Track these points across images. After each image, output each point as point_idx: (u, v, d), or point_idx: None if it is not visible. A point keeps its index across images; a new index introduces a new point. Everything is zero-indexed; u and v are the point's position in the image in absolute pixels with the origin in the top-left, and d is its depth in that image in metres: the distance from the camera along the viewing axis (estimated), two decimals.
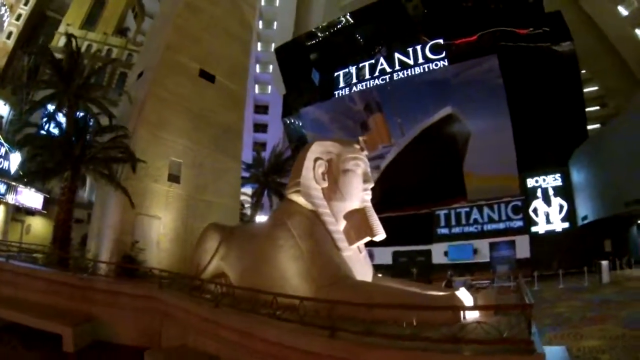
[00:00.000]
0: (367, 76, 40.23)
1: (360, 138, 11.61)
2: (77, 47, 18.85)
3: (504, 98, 32.96)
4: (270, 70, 61.82)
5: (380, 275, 12.68)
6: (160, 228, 16.86)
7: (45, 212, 31.84)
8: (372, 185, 11.33)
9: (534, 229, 33.67)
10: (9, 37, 47.75)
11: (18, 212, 32.67)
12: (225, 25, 21.86)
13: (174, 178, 17.73)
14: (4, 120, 32.00)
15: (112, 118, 18.70)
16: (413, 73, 37.31)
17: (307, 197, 10.67)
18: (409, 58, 37.72)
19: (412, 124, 38.06)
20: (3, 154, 27.50)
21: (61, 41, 43.71)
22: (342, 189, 11.02)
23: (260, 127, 62.42)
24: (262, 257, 10.71)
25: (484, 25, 33.64)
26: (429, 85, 36.24)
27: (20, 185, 30.15)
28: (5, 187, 30.28)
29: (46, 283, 13.28)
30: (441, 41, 35.86)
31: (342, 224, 11.10)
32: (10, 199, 30.93)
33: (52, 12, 54.93)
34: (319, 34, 44.23)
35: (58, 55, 23.00)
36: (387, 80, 38.61)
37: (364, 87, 40.26)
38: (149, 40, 26.76)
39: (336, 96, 42.06)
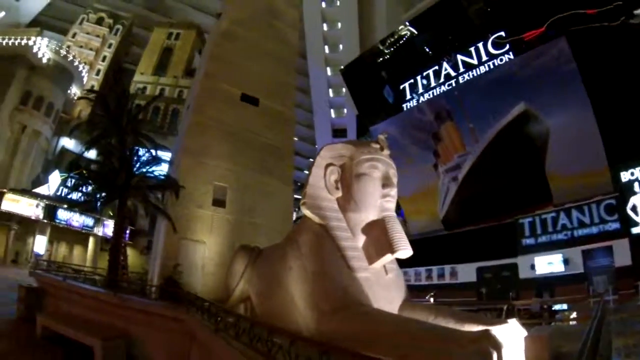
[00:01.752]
0: (433, 84, 38.50)
1: (380, 136, 9.96)
2: (124, 89, 20.39)
3: (581, 85, 29.39)
4: (343, 93, 61.91)
5: (416, 300, 11.21)
6: (205, 252, 17.16)
7: (131, 242, 34.42)
8: (394, 189, 9.59)
9: (634, 230, 29.13)
10: (92, 90, 52.50)
11: (106, 243, 35.14)
12: (266, 48, 22.09)
13: (218, 202, 18.02)
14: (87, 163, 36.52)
15: (161, 149, 19.73)
16: (478, 73, 34.85)
17: (314, 209, 9.37)
18: (472, 58, 35.47)
19: (485, 128, 35.44)
20: (88, 192, 30.63)
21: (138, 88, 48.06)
22: (355, 197, 9.43)
23: None
24: (276, 279, 9.77)
25: (550, 14, 30.72)
26: (497, 84, 33.64)
27: (107, 219, 33.37)
28: (93, 220, 33.74)
29: (93, 301, 14.49)
30: (503, 34, 33.16)
31: (362, 239, 9.48)
32: (98, 231, 34.44)
33: (128, 64, 60.84)
34: (382, 49, 43.38)
35: (138, 101, 24.96)
36: (454, 85, 36.60)
37: (431, 96, 38.55)
38: (197, 74, 28.00)
39: (404, 109, 40.59)
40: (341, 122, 63.35)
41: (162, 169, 19.44)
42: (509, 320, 7.08)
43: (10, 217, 34.41)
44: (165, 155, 23.75)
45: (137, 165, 18.59)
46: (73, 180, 34.55)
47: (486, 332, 6.09)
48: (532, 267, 31.75)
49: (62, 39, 54.17)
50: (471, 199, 33.45)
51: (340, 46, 63.35)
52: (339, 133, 62.67)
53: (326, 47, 63.88)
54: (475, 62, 35.11)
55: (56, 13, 63.98)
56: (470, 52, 35.31)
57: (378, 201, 9.34)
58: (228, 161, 18.70)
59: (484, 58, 34.35)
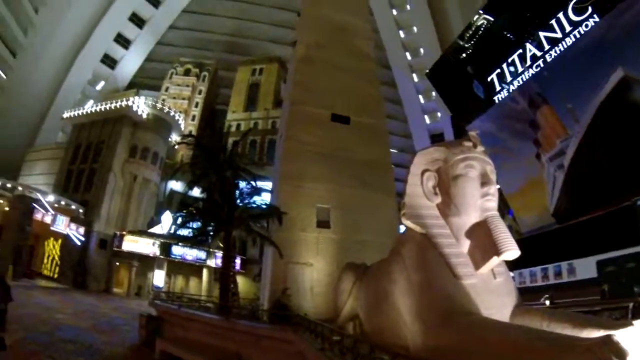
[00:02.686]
0: (520, 69, 35.98)
1: (471, 132, 9.30)
2: (217, 129, 21.40)
3: None
4: (434, 97, 60.48)
5: (530, 304, 10.24)
6: (313, 274, 17.29)
7: (243, 271, 35.94)
8: (493, 187, 8.73)
9: None
10: (190, 135, 56.04)
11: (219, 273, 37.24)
12: (346, 65, 22.09)
13: (323, 224, 18.14)
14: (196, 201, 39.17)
15: (260, 180, 20.36)
16: (565, 46, 31.70)
17: (414, 218, 8.93)
18: (554, 32, 32.13)
19: (584, 105, 31.65)
20: (198, 227, 32.74)
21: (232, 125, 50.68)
22: (454, 201, 8.80)
23: None
24: (382, 294, 9.29)
25: None
26: (587, 53, 30.08)
27: (218, 251, 35.05)
28: (205, 254, 35.68)
29: (206, 326, 15.14)
30: None
31: (466, 243, 8.82)
32: (211, 262, 36.34)
33: (219, 105, 64.41)
34: (462, 44, 41.59)
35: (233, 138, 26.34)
36: (541, 65, 33.56)
37: (521, 82, 35.83)
38: (284, 102, 28.68)
39: (496, 102, 38.33)
40: (437, 127, 61.56)
41: (263, 199, 20.01)
42: (634, 322, 6.03)
43: (131, 256, 37.91)
44: (266, 184, 24.44)
45: (239, 198, 19.24)
46: (182, 218, 37.40)
47: (607, 338, 5.12)
48: None
49: (156, 95, 59.09)
50: (581, 185, 30.30)
51: (421, 50, 62.17)
52: (436, 138, 60.72)
53: (407, 54, 63.14)
54: (559, 35, 32.02)
55: (147, 73, 70.21)
56: (552, 25, 32.24)
57: (478, 201, 8.51)
58: (327, 182, 18.80)
59: (568, 28, 31.15)
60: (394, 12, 63.08)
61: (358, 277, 11.29)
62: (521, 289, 9.03)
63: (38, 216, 33.39)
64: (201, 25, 72.84)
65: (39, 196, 34.38)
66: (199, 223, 20.56)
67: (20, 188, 36.21)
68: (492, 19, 39.35)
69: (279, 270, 17.06)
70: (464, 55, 41.85)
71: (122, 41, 66.73)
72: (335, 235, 18.12)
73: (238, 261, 36.25)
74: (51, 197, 35.87)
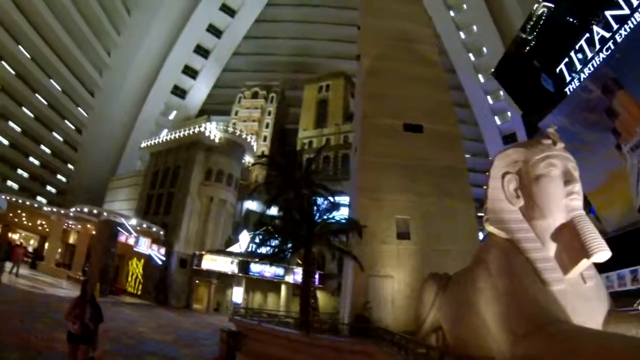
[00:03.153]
0: (589, 54, 33.28)
1: (549, 129, 8.95)
2: (291, 148, 21.86)
3: None
4: (502, 97, 58.54)
5: (623, 310, 9.43)
6: (394, 286, 17.05)
7: (321, 285, 36.17)
8: (577, 185, 8.35)
9: None
10: (262, 156, 57.90)
11: (297, 289, 37.59)
12: (412, 74, 21.95)
13: (403, 235, 17.90)
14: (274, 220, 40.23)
15: (337, 195, 20.50)
16: (635, 22, 29.07)
17: (497, 223, 8.65)
18: (621, 9, 29.50)
19: None
20: (276, 245, 33.74)
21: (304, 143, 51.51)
22: (538, 202, 8.44)
23: None
24: (465, 303, 9.03)
25: None
26: None
27: (296, 267, 35.61)
28: (283, 270, 36.27)
29: (285, 340, 15.26)
30: None
31: (553, 247, 8.41)
32: (289, 278, 36.85)
33: (289, 125, 65.59)
34: (525, 36, 39.41)
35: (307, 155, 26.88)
36: (612, 47, 30.89)
37: (592, 69, 33.06)
38: (355, 116, 28.76)
39: (568, 93, 35.61)
40: (508, 127, 59.69)
41: (341, 213, 20.08)
42: None
43: (210, 274, 39.28)
44: (343, 199, 24.58)
45: (317, 214, 19.42)
46: (259, 237, 38.31)
47: None
48: None
49: (227, 119, 61.32)
50: None
51: (484, 49, 60.74)
52: (509, 139, 58.62)
53: (471, 55, 61.78)
54: (626, 11, 29.06)
55: (216, 100, 73.63)
56: (618, 2, 29.90)
57: (563, 201, 8.19)
58: (405, 193, 18.59)
59: (635, 3, 28.65)
60: (452, 13, 62.17)
61: (440, 288, 11.11)
62: (609, 294, 8.40)
63: (122, 239, 35.34)
64: (263, 49, 75.58)
65: (123, 220, 36.44)
66: (277, 241, 20.94)
67: (105, 213, 38.63)
68: (552, 5, 36.92)
69: (360, 283, 16.97)
70: (528, 48, 39.62)
71: (190, 72, 70.78)
72: (415, 246, 17.81)
73: (317, 276, 36.67)
74: (134, 221, 37.88)
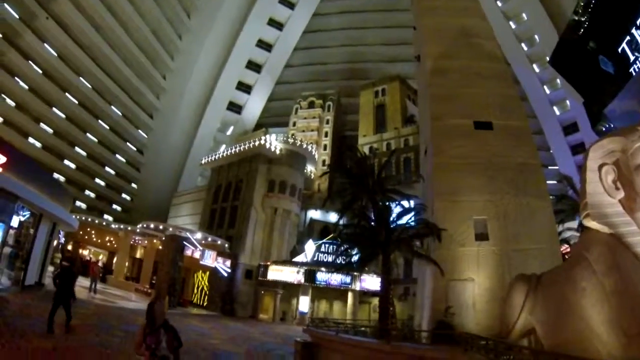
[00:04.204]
0: None
1: None
2: (362, 154, 21.78)
3: None
4: (559, 85, 56.00)
5: None
6: (475, 289, 16.50)
7: None
8: None
9: None
10: (323, 164, 59.13)
11: (365, 295, 39.21)
12: (476, 70, 21.43)
13: (481, 236, 17.35)
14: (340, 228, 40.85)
15: (410, 199, 20.11)
16: None
17: (599, 218, 8.17)
18: None
19: None
20: (341, 253, 34.13)
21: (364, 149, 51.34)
22: None
23: (579, 149, 54.13)
24: (564, 304, 8.57)
25: None
26: None
27: (363, 275, 35.37)
28: (350, 278, 36.10)
29: (364, 350, 14.96)
30: None
31: None
32: (356, 286, 36.64)
33: (349, 132, 65.55)
34: (578, 18, 36.83)
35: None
36: None
37: None
38: (420, 118, 28.32)
39: (633, 74, 32.76)
40: (568, 117, 56.64)
41: (415, 217, 19.63)
42: None
43: (275, 284, 39.58)
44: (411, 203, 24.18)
45: (393, 219, 19.08)
46: (327, 246, 38.33)
47: None
48: None
49: (285, 130, 62.03)
50: None
51: (536, 37, 58.25)
52: (570, 129, 56.14)
53: (523, 45, 59.50)
54: None
55: (272, 112, 75.02)
56: None
57: None
58: (481, 192, 18.07)
59: None
60: (499, 4, 60.13)
61: (531, 289, 10.59)
62: None
63: (188, 252, 36.31)
64: (315, 59, 76.45)
65: (188, 235, 37.49)
66: (351, 249, 20.71)
67: (170, 229, 39.99)
68: None
69: (440, 288, 16.58)
70: (582, 31, 37.07)
71: (244, 87, 72.41)
72: (495, 247, 17.18)
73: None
74: (199, 235, 38.89)
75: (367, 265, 21.28)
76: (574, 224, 26.30)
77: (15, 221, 18.03)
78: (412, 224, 18.56)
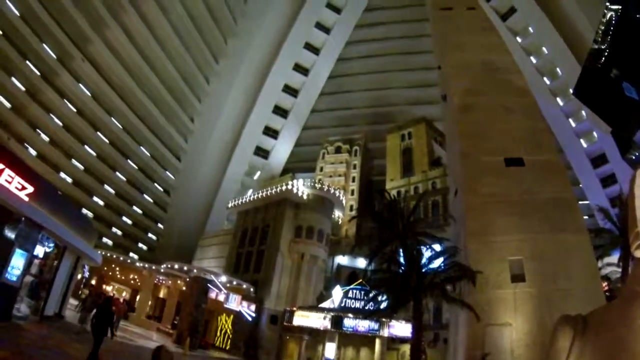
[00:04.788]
0: None
1: None
2: (391, 198, 21.30)
3: None
4: (584, 117, 54.69)
5: None
6: (513, 334, 15.42)
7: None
8: None
9: None
10: (351, 209, 58.41)
11: (393, 342, 37.73)
12: (504, 104, 21.10)
13: (517, 278, 16.42)
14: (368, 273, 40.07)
15: (441, 242, 19.28)
16: None
17: None
18: None
19: None
20: (369, 299, 33.50)
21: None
22: None
23: (609, 181, 52.04)
24: (619, 347, 7.53)
25: None
26: None
27: (391, 321, 34.00)
28: (378, 324, 34.74)
29: None
30: None
31: None
32: (384, 332, 35.21)
33: (376, 176, 65.10)
34: (598, 47, 36.05)
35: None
36: None
37: None
38: (449, 158, 27.76)
39: None
40: (596, 149, 54.81)
41: (446, 261, 18.72)
42: None
43: (301, 330, 38.32)
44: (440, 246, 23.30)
45: (423, 264, 18.33)
46: (355, 291, 37.20)
47: None
48: None
49: (311, 176, 61.69)
50: None
51: (558, 70, 57.36)
52: (599, 161, 54.03)
53: (545, 79, 58.64)
54: None
55: (299, 157, 74.87)
56: None
57: None
58: (516, 231, 17.26)
59: None
60: (519, 40, 59.89)
61: (578, 332, 9.49)
62: None
63: (212, 295, 35.61)
64: (340, 104, 76.97)
65: (213, 277, 36.89)
66: (381, 295, 19.87)
67: (195, 270, 39.40)
68: (619, 7, 33.56)
69: (476, 334, 15.59)
70: (603, 58, 36.13)
71: (271, 132, 72.89)
72: (532, 289, 16.18)
73: (410, 328, 35.22)
74: (224, 278, 38.27)
75: (397, 312, 20.17)
76: (613, 259, 24.92)
77: (40, 251, 18.07)
78: (444, 267, 17.67)
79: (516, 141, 19.91)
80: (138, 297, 42.70)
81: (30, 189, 14.64)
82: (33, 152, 43.71)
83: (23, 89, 41.19)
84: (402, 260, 18.85)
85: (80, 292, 32.38)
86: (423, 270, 17.82)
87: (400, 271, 18.56)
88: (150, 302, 42.94)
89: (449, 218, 20.63)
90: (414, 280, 17.32)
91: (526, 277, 16.29)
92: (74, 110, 47.58)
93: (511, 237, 17.07)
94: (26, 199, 14.57)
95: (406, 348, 37.24)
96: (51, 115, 45.14)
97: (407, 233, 19.34)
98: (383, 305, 20.33)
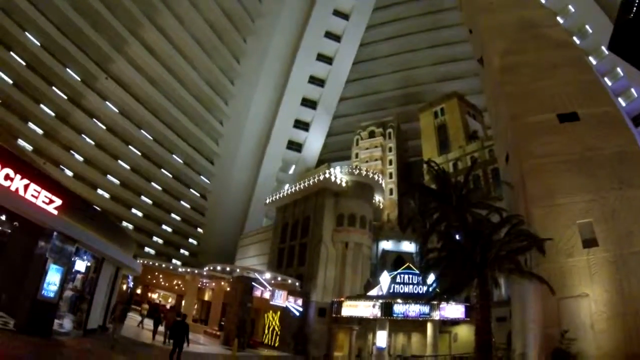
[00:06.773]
0: None
1: None
2: (440, 170, 20.07)
3: None
4: (620, 75, 51.22)
5: None
6: (591, 307, 13.88)
7: (468, 319, 33.19)
8: None
9: None
10: (391, 193, 56.91)
11: (444, 325, 36.58)
12: (548, 60, 19.61)
13: (589, 242, 14.86)
14: (414, 256, 38.79)
15: (501, 212, 17.82)
16: None
17: None
18: None
19: None
20: (418, 282, 34.13)
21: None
22: None
23: None
24: None
25: None
26: None
27: (443, 302, 32.63)
28: (428, 307, 33.41)
29: None
30: None
31: None
32: (435, 315, 33.84)
33: (412, 158, 63.40)
34: None
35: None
36: None
37: None
38: (494, 125, 26.26)
39: None
40: (636, 107, 50.20)
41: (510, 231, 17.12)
42: None
43: (350, 320, 37.27)
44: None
45: (487, 236, 16.71)
46: (402, 276, 35.92)
47: None
48: None
49: (347, 163, 60.22)
50: None
51: (588, 28, 53.80)
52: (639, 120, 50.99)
53: (575, 39, 55.33)
54: None
55: (333, 147, 74.33)
56: None
57: None
58: (581, 192, 15.70)
59: None
60: (542, 1, 56.79)
61: None
62: None
63: (257, 293, 35.02)
64: (369, 89, 75.83)
65: (257, 275, 36.31)
66: (441, 276, 18.59)
67: (238, 270, 38.92)
68: None
69: (550, 309, 14.17)
70: (634, 9, 33.43)
71: (302, 125, 72.34)
72: (607, 253, 14.57)
73: (462, 309, 34.07)
74: (268, 275, 37.61)
75: (461, 292, 18.55)
76: None
77: (81, 266, 17.90)
78: (507, 238, 16.10)
79: (567, 96, 18.33)
80: (183, 302, 42.73)
81: (58, 201, 14.14)
82: (70, 173, 44.99)
83: (52, 114, 42.66)
84: (457, 237, 17.47)
85: (142, 309, 32.36)
86: (487, 243, 16.31)
87: (460, 247, 17.11)
88: (196, 306, 43.01)
89: (505, 184, 19.13)
90: (477, 255, 15.88)
91: (599, 241, 14.72)
92: (104, 127, 48.90)
93: (577, 199, 15.52)
94: (55, 212, 14.09)
95: (458, 330, 36.03)
96: (83, 135, 46.40)
97: (464, 205, 17.96)
98: (433, 287, 18.99)
